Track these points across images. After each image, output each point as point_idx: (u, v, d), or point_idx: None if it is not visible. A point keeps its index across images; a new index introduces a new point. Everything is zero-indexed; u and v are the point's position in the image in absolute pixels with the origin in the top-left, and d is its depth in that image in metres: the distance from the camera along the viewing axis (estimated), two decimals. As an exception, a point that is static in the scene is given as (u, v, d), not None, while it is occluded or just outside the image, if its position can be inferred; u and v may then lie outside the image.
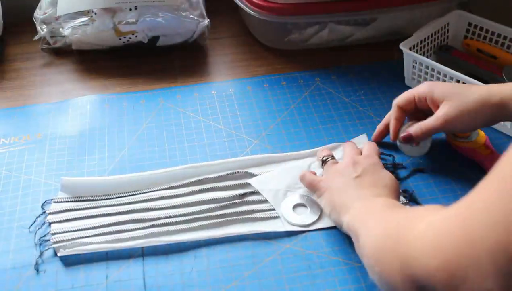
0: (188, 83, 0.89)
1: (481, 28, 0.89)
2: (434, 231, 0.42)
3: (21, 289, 0.60)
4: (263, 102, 0.85)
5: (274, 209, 0.68)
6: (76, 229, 0.65)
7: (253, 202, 0.69)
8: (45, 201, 0.69)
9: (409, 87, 0.87)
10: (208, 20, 0.93)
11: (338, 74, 0.90)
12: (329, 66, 0.92)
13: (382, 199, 0.60)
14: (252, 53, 0.96)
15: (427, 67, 0.82)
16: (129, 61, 0.94)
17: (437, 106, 0.69)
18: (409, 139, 0.71)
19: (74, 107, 0.84)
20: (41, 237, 0.64)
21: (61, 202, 0.68)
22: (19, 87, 0.89)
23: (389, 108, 0.83)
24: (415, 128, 0.70)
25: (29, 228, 0.66)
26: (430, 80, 0.83)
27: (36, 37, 0.93)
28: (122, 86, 0.89)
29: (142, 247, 0.64)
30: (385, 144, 0.76)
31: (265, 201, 0.69)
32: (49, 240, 0.64)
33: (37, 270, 0.61)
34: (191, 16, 0.92)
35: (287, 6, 0.88)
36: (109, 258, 0.63)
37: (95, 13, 0.89)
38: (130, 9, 0.89)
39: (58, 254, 0.62)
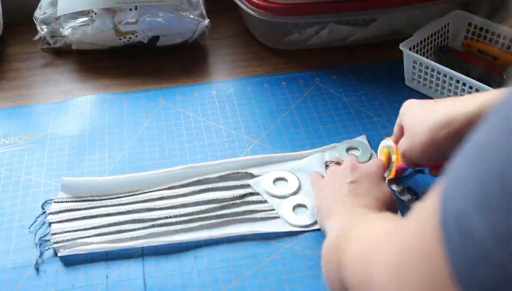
0: (188, 83, 0.89)
1: (481, 28, 0.89)
2: (359, 244, 0.43)
3: (21, 289, 0.60)
4: (263, 102, 0.85)
5: (274, 209, 0.68)
6: (76, 229, 0.65)
7: (253, 202, 0.69)
8: (45, 201, 0.69)
9: (409, 88, 0.87)
10: (208, 20, 0.93)
11: (338, 74, 0.90)
12: (329, 66, 0.92)
13: (371, 211, 0.57)
14: (252, 53, 0.96)
15: (427, 67, 0.82)
16: (129, 61, 0.94)
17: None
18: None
19: (74, 107, 0.84)
20: (41, 237, 0.64)
21: (61, 202, 0.68)
22: (19, 87, 0.89)
23: (389, 108, 0.83)
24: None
25: (29, 228, 0.66)
26: (430, 80, 0.83)
27: (36, 37, 0.93)
28: (122, 86, 0.89)
29: (142, 247, 0.64)
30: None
31: (265, 201, 0.69)
32: (49, 240, 0.64)
33: (37, 270, 0.61)
34: (191, 16, 0.92)
35: (287, 6, 0.88)
36: (109, 258, 0.63)
37: (95, 13, 0.89)
38: (130, 9, 0.89)
39: (58, 254, 0.62)
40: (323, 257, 0.51)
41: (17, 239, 0.65)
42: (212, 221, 0.66)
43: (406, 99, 0.84)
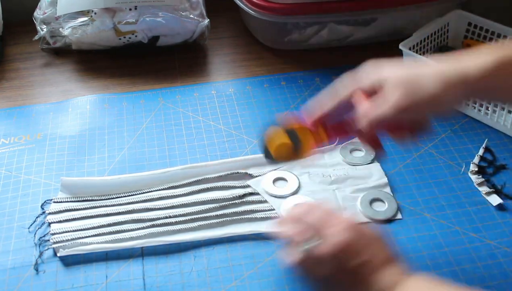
0: (188, 83, 0.89)
1: (481, 28, 0.89)
2: None
3: (21, 289, 0.60)
4: (263, 102, 0.85)
5: (274, 209, 0.68)
6: (76, 229, 0.65)
7: (253, 202, 0.69)
8: (45, 201, 0.69)
9: (409, 87, 0.87)
10: (208, 20, 0.93)
11: (338, 74, 0.89)
12: (329, 66, 0.92)
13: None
14: (252, 53, 0.96)
15: (427, 67, 0.82)
16: (129, 61, 0.94)
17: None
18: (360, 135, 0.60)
19: (74, 107, 0.84)
20: (41, 237, 0.64)
21: (61, 202, 0.68)
22: (19, 87, 0.89)
23: (389, 108, 0.83)
24: (361, 119, 0.56)
25: (28, 228, 0.66)
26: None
27: (36, 37, 0.93)
28: (122, 86, 0.89)
29: (142, 247, 0.64)
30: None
31: (265, 201, 0.69)
32: (48, 240, 0.64)
33: (36, 270, 0.61)
34: (191, 16, 0.92)
35: (287, 6, 0.88)
36: (109, 258, 0.63)
37: (95, 13, 0.89)
38: (130, 9, 0.89)
39: (58, 254, 0.62)
40: None
41: (16, 239, 0.65)
42: (211, 221, 0.66)
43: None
